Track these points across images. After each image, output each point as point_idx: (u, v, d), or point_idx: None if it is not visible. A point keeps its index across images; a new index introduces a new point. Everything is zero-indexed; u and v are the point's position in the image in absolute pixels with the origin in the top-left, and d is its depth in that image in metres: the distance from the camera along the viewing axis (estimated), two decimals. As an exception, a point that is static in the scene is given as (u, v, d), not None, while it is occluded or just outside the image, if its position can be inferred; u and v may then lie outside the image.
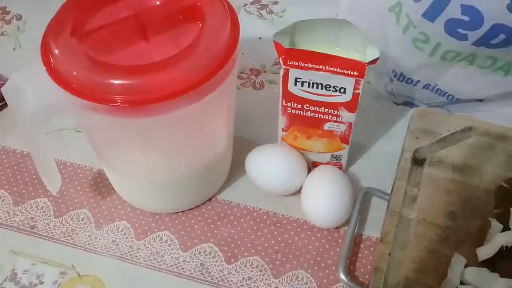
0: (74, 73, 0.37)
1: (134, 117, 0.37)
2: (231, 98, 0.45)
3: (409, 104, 0.58)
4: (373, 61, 0.42)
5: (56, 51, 0.38)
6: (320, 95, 0.45)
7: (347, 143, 0.49)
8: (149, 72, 0.36)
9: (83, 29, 0.40)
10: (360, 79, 0.43)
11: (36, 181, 0.52)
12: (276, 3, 0.71)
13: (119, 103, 0.36)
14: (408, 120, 0.56)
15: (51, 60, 0.38)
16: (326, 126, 0.47)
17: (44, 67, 0.37)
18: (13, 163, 0.54)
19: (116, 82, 0.36)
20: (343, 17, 0.59)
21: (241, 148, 0.52)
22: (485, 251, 0.43)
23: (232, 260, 0.47)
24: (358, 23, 0.54)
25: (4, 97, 0.38)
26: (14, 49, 0.66)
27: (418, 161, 0.51)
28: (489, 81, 0.51)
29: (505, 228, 0.44)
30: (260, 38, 0.65)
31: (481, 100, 0.55)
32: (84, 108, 0.37)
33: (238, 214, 0.50)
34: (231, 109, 0.46)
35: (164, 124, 0.39)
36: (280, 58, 0.44)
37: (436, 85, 0.54)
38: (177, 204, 0.49)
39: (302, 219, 0.49)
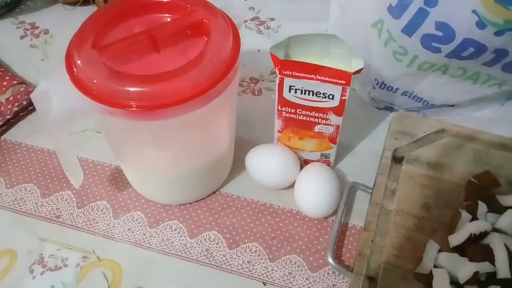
0: (95, 81, 0.36)
1: (147, 120, 0.37)
2: (233, 103, 0.45)
3: (390, 108, 0.58)
4: (358, 71, 0.42)
5: (79, 62, 0.37)
6: (311, 100, 0.45)
7: (335, 143, 0.49)
8: (161, 81, 0.36)
9: (102, 43, 0.39)
10: (347, 87, 0.43)
11: (61, 176, 0.52)
12: (272, 19, 0.71)
13: (134, 108, 0.36)
14: (388, 123, 0.56)
15: (74, 70, 0.38)
16: (317, 128, 0.47)
17: (68, 76, 0.37)
18: (41, 160, 0.54)
19: (132, 89, 0.36)
20: (332, 32, 0.59)
21: (241, 147, 0.52)
22: (456, 238, 0.43)
23: (234, 246, 0.47)
24: (345, 37, 0.53)
25: (33, 102, 0.38)
26: (42, 60, 0.65)
27: (397, 159, 0.51)
28: (460, 88, 0.51)
29: (474, 218, 0.44)
30: (259, 50, 0.65)
31: (452, 105, 0.55)
32: (103, 112, 0.37)
33: (239, 205, 0.50)
34: (233, 113, 0.46)
35: (174, 126, 0.39)
36: (276, 68, 0.43)
37: (413, 92, 0.53)
38: (185, 197, 0.49)
39: (295, 210, 0.49)
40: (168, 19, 0.42)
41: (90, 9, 0.70)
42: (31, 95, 0.38)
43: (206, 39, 0.40)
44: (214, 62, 0.38)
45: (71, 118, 0.39)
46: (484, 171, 0.48)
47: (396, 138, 0.52)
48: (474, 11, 0.41)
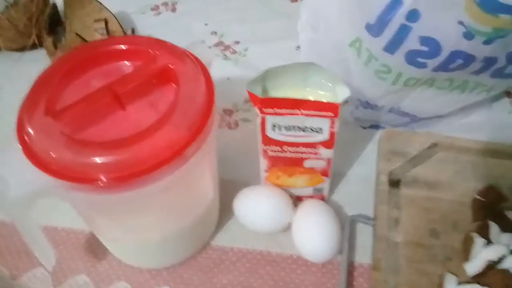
0: (52, 153, 0.31)
1: (120, 192, 0.32)
2: (214, 152, 0.40)
3: (375, 126, 0.55)
4: (346, 101, 0.38)
5: (32, 133, 0.32)
6: (298, 136, 0.41)
7: (328, 176, 0.45)
8: (131, 145, 0.31)
9: (57, 106, 0.34)
10: (335, 118, 0.39)
11: (29, 252, 0.45)
12: (237, 42, 0.66)
13: (103, 181, 0.31)
14: (376, 142, 0.52)
15: (28, 143, 0.32)
16: (307, 164, 0.43)
17: (23, 152, 0.32)
18: (5, 234, 0.47)
19: (98, 159, 0.31)
20: (304, 54, 0.55)
21: (226, 190, 0.47)
22: (473, 268, 0.40)
23: (235, 307, 0.42)
24: (320, 58, 0.50)
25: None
26: None
27: (393, 183, 0.47)
28: (448, 99, 0.48)
29: (488, 242, 0.41)
30: (228, 78, 0.60)
31: (441, 116, 0.52)
32: (68, 189, 0.32)
33: (233, 259, 0.45)
34: (215, 162, 0.42)
35: (152, 193, 0.33)
36: (256, 107, 0.39)
37: (400, 107, 0.50)
38: (172, 259, 0.44)
39: (295, 255, 0.45)
40: (129, 68, 0.37)
41: (40, 55, 0.64)
42: (-21, 180, 0.32)
43: (175, 86, 0.35)
44: (189, 113, 0.33)
45: (33, 200, 0.33)
46: (487, 186, 0.45)
47: (388, 159, 0.49)
48: (460, 22, 0.38)
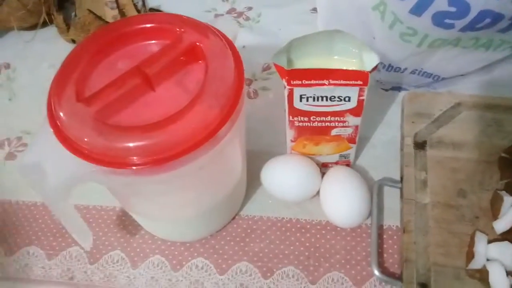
0: (88, 140, 0.31)
1: (156, 174, 0.32)
2: (244, 127, 0.40)
3: (397, 88, 0.54)
4: (375, 68, 0.38)
5: (66, 120, 0.32)
6: (326, 106, 0.40)
7: (354, 143, 0.45)
8: (164, 128, 0.31)
9: (86, 90, 0.34)
10: (364, 87, 0.38)
11: (64, 231, 0.47)
12: (250, 8, 0.65)
13: (138, 166, 0.31)
14: (398, 104, 0.52)
15: (62, 129, 0.32)
16: (334, 132, 0.43)
17: (58, 140, 0.32)
18: (37, 216, 0.48)
19: (133, 144, 0.31)
20: (323, 18, 0.54)
21: (252, 161, 0.47)
22: (502, 225, 0.40)
23: (268, 274, 0.43)
24: (340, 22, 0.49)
25: (22, 176, 0.33)
26: (10, 99, 0.57)
27: (419, 145, 0.47)
28: (472, 58, 0.48)
29: (517, 199, 0.41)
30: (244, 46, 0.59)
31: (463, 75, 0.52)
32: (106, 174, 0.32)
33: (264, 227, 0.45)
34: (244, 136, 0.41)
35: (186, 173, 0.34)
36: (283, 79, 0.39)
37: (423, 69, 0.49)
38: (205, 231, 0.45)
39: (324, 221, 0.45)
40: (155, 47, 0.36)
41: (50, 33, 0.63)
42: (17, 169, 0.33)
43: (203, 64, 0.35)
44: (220, 92, 0.33)
45: (71, 186, 0.33)
46: (514, 143, 0.45)
47: (413, 122, 0.48)
48: (490, -20, 0.37)
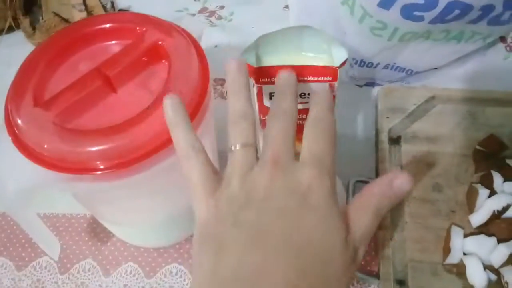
0: (47, 146, 0.30)
1: (120, 178, 0.31)
2: (212, 127, 0.39)
3: (371, 84, 0.53)
4: (344, 63, 0.37)
5: (23, 126, 0.31)
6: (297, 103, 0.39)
7: (328, 140, 0.44)
8: (126, 131, 0.30)
9: (45, 94, 0.33)
10: (334, 82, 0.38)
11: (33, 241, 0.45)
12: (222, 7, 0.64)
13: (102, 170, 0.30)
14: (373, 100, 0.52)
15: (19, 136, 0.31)
16: (306, 130, 0.42)
17: (16, 147, 0.31)
18: (5, 226, 0.47)
19: (94, 148, 0.30)
20: (294, 13, 0.53)
21: (224, 162, 0.46)
22: (478, 218, 0.40)
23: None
24: (310, 18, 0.48)
25: (-22, 186, 0.31)
26: None
27: (394, 140, 0.47)
28: (444, 51, 0.47)
29: (491, 191, 0.41)
30: (216, 46, 0.59)
31: (436, 68, 0.51)
32: (68, 180, 0.31)
33: (239, 230, 0.45)
34: (214, 138, 0.40)
35: (152, 176, 0.32)
36: (251, 77, 0.38)
37: (395, 63, 0.49)
38: (178, 237, 0.44)
39: (300, 220, 0.45)
40: (116, 47, 0.35)
41: (17, 37, 0.61)
42: (-26, 179, 0.31)
43: (166, 63, 0.34)
44: (184, 92, 0.32)
45: (32, 194, 0.32)
46: (488, 136, 0.45)
47: (387, 117, 0.48)
48: (456, -29, 0.36)
